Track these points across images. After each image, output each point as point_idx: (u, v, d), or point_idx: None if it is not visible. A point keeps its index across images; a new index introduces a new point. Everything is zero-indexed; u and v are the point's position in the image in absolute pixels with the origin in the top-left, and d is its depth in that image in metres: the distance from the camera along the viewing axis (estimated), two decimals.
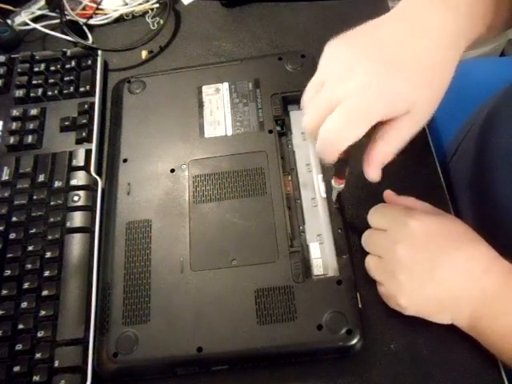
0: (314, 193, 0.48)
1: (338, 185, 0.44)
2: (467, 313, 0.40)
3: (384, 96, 0.35)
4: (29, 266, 0.47)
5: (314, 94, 0.38)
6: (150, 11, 0.65)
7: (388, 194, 0.47)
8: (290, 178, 0.49)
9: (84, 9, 0.64)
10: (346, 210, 0.48)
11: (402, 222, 0.42)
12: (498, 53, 1.28)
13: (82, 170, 0.52)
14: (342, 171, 0.42)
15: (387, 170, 0.50)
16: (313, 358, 0.43)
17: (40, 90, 0.57)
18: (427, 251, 0.41)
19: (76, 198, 0.50)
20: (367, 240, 0.45)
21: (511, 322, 0.39)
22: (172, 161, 0.51)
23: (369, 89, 0.35)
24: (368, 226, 0.45)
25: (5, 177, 0.51)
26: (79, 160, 0.52)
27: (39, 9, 0.65)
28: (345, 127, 0.35)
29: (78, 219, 0.49)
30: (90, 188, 0.51)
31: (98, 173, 0.53)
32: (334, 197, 0.47)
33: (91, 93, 0.57)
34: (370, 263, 0.43)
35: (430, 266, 0.40)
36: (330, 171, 0.48)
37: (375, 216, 0.45)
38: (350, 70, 0.36)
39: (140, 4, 0.65)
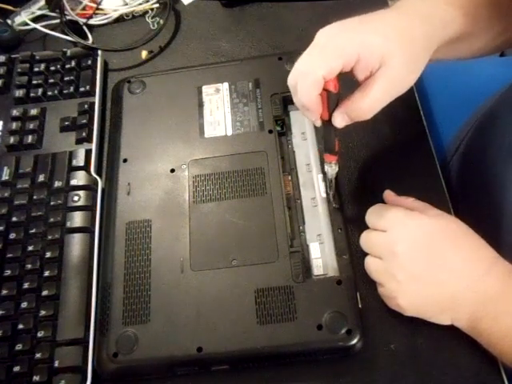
0: (314, 193, 0.48)
1: (330, 163, 0.44)
2: (467, 314, 0.40)
3: (356, 39, 0.37)
4: (29, 266, 0.47)
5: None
6: (150, 11, 0.65)
7: (388, 194, 0.47)
8: (290, 178, 0.49)
9: (84, 9, 0.64)
10: (346, 209, 0.48)
11: (401, 223, 0.42)
12: (498, 53, 1.28)
13: (82, 170, 0.52)
14: (331, 142, 0.42)
15: (387, 170, 0.50)
16: (313, 358, 0.42)
17: (40, 90, 0.57)
18: (427, 252, 0.41)
19: (76, 198, 0.50)
20: (366, 241, 0.44)
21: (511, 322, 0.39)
22: (172, 161, 0.51)
23: (341, 30, 0.38)
24: (367, 226, 0.45)
25: (5, 177, 0.51)
26: (79, 160, 0.52)
27: (39, 9, 0.65)
28: (318, 58, 0.37)
29: (77, 219, 0.49)
30: (90, 188, 0.51)
31: (98, 173, 0.53)
32: (330, 187, 0.46)
33: (91, 93, 0.57)
34: (370, 264, 0.43)
35: (430, 268, 0.40)
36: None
37: (374, 216, 0.44)
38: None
39: (140, 4, 0.65)
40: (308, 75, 0.37)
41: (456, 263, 0.40)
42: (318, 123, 0.42)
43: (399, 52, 0.37)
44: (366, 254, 0.44)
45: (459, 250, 0.41)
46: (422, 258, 0.41)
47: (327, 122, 0.41)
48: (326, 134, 0.42)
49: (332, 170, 0.45)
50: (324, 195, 0.48)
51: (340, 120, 0.39)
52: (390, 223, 0.43)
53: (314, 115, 0.40)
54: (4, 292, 0.46)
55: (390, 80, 0.38)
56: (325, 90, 0.38)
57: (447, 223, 0.43)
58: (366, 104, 0.38)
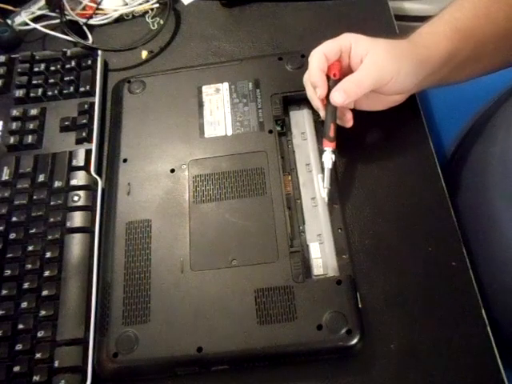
0: (314, 193, 0.48)
1: (329, 149, 0.46)
2: None
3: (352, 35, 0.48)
4: (29, 266, 0.47)
5: None
6: (150, 11, 0.65)
7: None
8: (290, 178, 0.49)
9: (84, 9, 0.64)
10: (346, 209, 0.48)
11: None
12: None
13: (82, 170, 0.52)
14: (327, 125, 0.46)
15: (387, 170, 0.50)
16: (313, 358, 0.42)
17: (40, 90, 0.57)
18: None
19: (76, 198, 0.50)
20: None
21: None
22: (172, 161, 0.51)
23: None
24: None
25: (5, 177, 0.51)
26: (79, 160, 0.52)
27: (39, 9, 0.65)
28: (322, 44, 0.48)
29: (78, 219, 0.49)
30: (90, 188, 0.51)
31: (98, 173, 0.53)
32: (326, 178, 0.46)
33: (91, 93, 0.57)
34: None
35: None
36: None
37: None
38: None
39: (140, 4, 0.65)
40: (313, 53, 0.47)
41: None
42: (322, 112, 0.47)
43: (382, 46, 0.46)
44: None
45: None
46: None
47: (327, 103, 0.47)
48: (325, 119, 0.47)
49: (331, 155, 0.46)
50: (324, 195, 0.48)
51: (337, 95, 0.45)
52: None
53: (320, 90, 0.46)
54: (4, 292, 0.46)
55: (372, 61, 0.45)
56: (327, 76, 0.47)
57: None
58: (355, 77, 0.45)
